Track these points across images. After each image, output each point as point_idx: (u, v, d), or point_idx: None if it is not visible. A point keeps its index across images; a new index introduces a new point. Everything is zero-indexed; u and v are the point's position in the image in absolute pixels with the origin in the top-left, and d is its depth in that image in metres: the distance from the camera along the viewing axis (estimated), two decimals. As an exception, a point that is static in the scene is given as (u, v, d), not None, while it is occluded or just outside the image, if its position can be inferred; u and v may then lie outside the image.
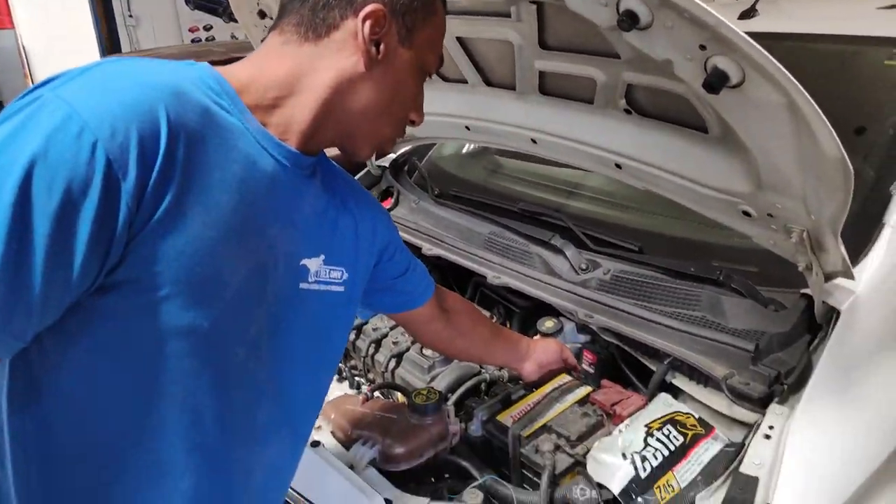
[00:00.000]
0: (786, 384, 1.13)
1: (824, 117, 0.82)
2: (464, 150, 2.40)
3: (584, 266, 1.52)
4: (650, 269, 1.43)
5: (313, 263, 0.89)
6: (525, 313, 1.69)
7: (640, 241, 1.52)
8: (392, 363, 1.58)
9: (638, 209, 1.70)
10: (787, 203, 1.06)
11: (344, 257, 0.94)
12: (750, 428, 1.13)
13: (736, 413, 1.18)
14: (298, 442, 0.97)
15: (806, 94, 0.81)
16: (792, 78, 0.81)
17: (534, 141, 1.56)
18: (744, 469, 1.03)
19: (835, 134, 0.82)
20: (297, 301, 0.87)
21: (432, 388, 1.35)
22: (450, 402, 1.38)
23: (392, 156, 2.42)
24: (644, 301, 1.39)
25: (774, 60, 0.81)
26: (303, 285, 0.87)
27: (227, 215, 0.72)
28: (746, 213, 1.16)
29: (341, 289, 0.94)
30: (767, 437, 1.07)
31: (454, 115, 1.72)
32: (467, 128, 1.74)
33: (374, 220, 1.02)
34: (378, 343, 1.65)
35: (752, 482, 1.01)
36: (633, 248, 1.51)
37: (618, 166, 1.38)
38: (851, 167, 0.85)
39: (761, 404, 1.14)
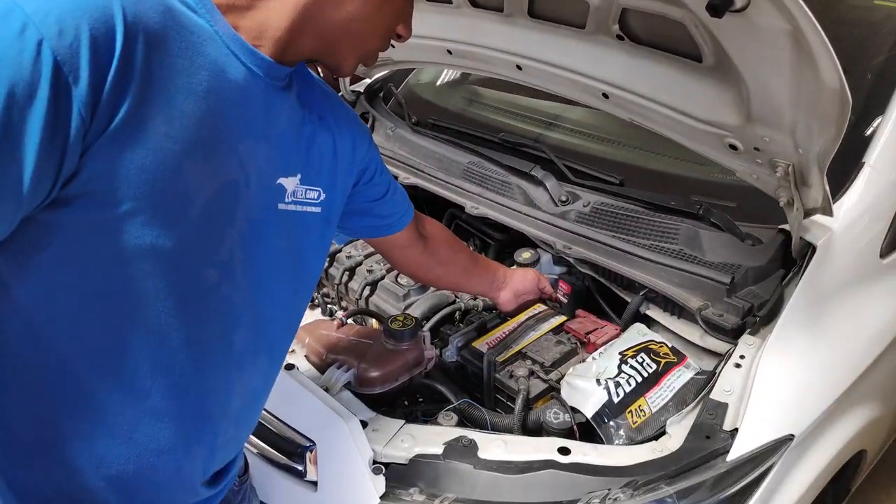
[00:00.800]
0: (758, 316, 1.16)
1: (830, 46, 0.80)
2: (439, 81, 2.33)
3: (563, 198, 1.51)
4: (630, 202, 1.43)
5: (290, 183, 0.84)
6: (500, 245, 1.69)
7: (621, 175, 1.52)
8: (366, 291, 1.57)
9: (619, 143, 1.69)
10: (775, 136, 1.05)
11: (321, 177, 0.89)
12: (721, 357, 1.16)
13: (708, 343, 1.22)
14: (275, 367, 0.95)
15: (814, 20, 0.79)
16: (801, 2, 0.79)
17: (519, 67, 1.51)
18: (714, 395, 1.07)
19: (838, 64, 0.81)
20: (273, 222, 0.82)
21: (408, 314, 1.34)
22: (425, 329, 1.39)
23: (367, 81, 2.34)
24: (623, 234, 1.39)
25: (784, -18, 0.78)
26: (280, 206, 0.83)
27: (192, 127, 0.67)
28: (733, 147, 1.16)
29: (318, 210, 0.90)
30: (738, 365, 1.11)
31: (435, 37, 1.65)
32: (449, 52, 1.68)
33: (353, 138, 0.97)
34: (352, 271, 1.63)
35: (722, 408, 1.05)
36: (614, 181, 1.51)
37: (605, 96, 1.35)
38: (850, 98, 0.84)
39: (733, 335, 1.17)
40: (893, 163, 1.33)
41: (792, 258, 1.22)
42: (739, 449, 1.00)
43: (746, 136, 1.11)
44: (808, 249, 1.19)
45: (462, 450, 1.06)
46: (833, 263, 1.20)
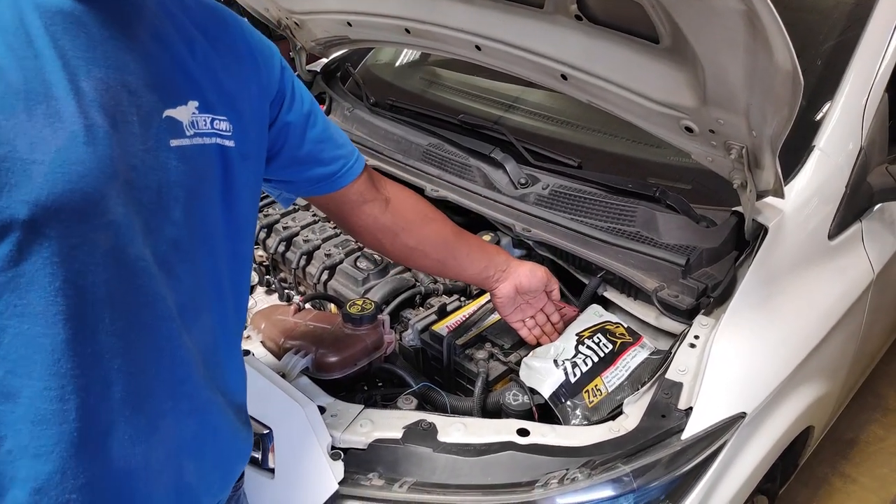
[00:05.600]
0: (712, 297, 1.18)
1: (784, 28, 0.81)
2: (398, 62, 2.30)
3: (523, 181, 1.51)
4: (588, 184, 1.43)
5: (183, 113, 0.70)
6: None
7: (580, 157, 1.52)
8: (325, 275, 1.54)
9: (578, 125, 1.69)
10: (729, 119, 1.06)
11: (221, 104, 0.76)
12: (676, 338, 1.18)
13: (663, 324, 1.23)
14: (230, 306, 0.83)
15: (769, 1, 0.79)
16: (755, -17, 0.79)
17: (478, 48, 1.49)
18: (669, 375, 1.08)
19: (791, 46, 0.82)
20: (170, 163, 0.69)
21: (367, 298, 1.33)
22: (385, 313, 1.37)
23: (324, 60, 2.30)
24: (581, 216, 1.39)
25: (739, -37, 0.78)
26: (174, 142, 0.69)
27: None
28: (689, 129, 1.17)
29: (231, 143, 0.76)
30: (692, 346, 1.12)
31: (393, 15, 1.62)
32: (407, 31, 1.64)
33: (255, 58, 0.83)
34: (309, 255, 1.60)
35: (677, 387, 1.07)
36: (572, 163, 1.51)
37: (563, 77, 1.35)
38: (802, 80, 0.85)
39: (688, 315, 1.19)
40: (842, 146, 1.37)
41: (745, 240, 1.24)
42: (694, 427, 1.02)
43: (702, 119, 1.12)
44: (761, 231, 1.21)
45: (422, 433, 1.05)
46: (784, 245, 1.22)
